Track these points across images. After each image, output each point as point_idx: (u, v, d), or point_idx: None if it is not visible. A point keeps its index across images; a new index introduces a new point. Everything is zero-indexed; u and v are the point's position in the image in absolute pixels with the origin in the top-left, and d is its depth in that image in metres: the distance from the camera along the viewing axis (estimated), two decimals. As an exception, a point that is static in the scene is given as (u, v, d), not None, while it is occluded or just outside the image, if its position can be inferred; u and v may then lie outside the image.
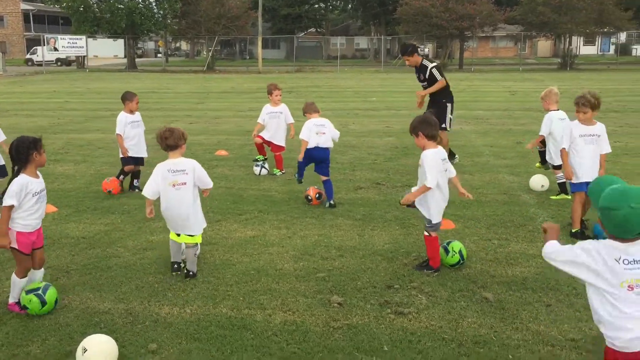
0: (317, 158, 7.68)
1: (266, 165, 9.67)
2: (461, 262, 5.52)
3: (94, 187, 8.79)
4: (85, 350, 3.89)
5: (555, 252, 3.02)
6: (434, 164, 5.20)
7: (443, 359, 3.98)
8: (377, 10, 67.11)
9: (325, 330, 4.41)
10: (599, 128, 6.39)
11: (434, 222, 5.37)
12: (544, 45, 77.94)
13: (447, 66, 49.42)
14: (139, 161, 8.53)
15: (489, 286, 5.13)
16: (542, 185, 8.27)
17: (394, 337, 4.29)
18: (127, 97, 8.36)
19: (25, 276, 4.71)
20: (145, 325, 4.53)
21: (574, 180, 6.35)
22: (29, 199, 4.52)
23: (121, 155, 8.39)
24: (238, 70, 49.60)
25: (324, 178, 7.77)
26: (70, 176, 9.65)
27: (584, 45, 69.37)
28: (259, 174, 9.56)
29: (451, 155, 10.07)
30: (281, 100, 9.89)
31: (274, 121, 9.73)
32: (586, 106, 6.27)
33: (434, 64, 10.24)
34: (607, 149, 6.38)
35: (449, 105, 10.12)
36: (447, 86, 10.16)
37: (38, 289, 4.66)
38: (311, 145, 7.57)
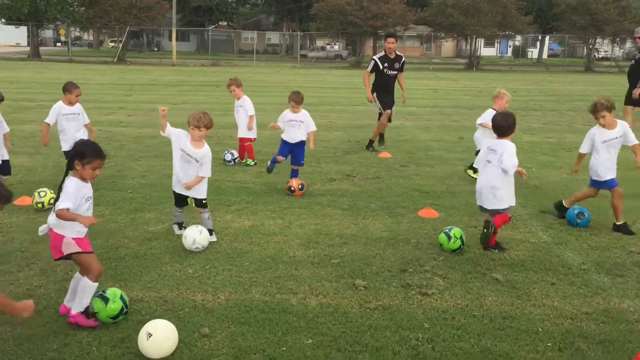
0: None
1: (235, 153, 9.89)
2: (462, 247, 5.94)
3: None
4: (150, 335, 3.94)
5: None
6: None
7: (481, 333, 4.36)
8: (291, 7, 67.41)
9: (363, 312, 4.67)
10: (619, 129, 6.70)
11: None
12: (447, 46, 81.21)
13: (361, 64, 50.72)
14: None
15: (494, 268, 5.58)
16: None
17: (428, 315, 4.63)
18: (67, 88, 8.08)
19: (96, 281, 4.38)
20: (186, 312, 4.61)
21: (596, 178, 6.80)
22: (82, 203, 4.30)
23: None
24: (150, 63, 48.32)
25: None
26: (32, 168, 9.29)
27: (484, 47, 73.06)
28: (229, 161, 9.85)
29: (381, 139, 11.52)
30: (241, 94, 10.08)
31: (238, 115, 9.97)
32: (602, 110, 6.57)
33: (376, 55, 11.44)
34: (633, 140, 6.72)
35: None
36: (376, 79, 11.51)
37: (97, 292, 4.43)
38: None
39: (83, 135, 8.03)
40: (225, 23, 79.03)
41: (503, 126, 5.98)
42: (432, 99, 22.10)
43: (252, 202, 7.62)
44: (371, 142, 11.40)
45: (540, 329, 4.42)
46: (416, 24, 55.24)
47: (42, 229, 4.37)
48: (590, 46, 53.15)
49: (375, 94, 11.43)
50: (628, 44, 59.70)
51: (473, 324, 4.49)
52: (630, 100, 11.97)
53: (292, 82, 30.16)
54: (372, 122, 12.20)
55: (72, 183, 4.24)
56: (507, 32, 54.45)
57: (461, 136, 13.16)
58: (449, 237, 5.94)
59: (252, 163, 9.80)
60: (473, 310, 4.72)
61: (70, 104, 8.06)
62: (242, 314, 4.59)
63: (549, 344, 4.19)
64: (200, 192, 6.12)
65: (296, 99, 8.26)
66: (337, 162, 10.34)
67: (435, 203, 7.69)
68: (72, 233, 4.28)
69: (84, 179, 4.30)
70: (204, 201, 6.14)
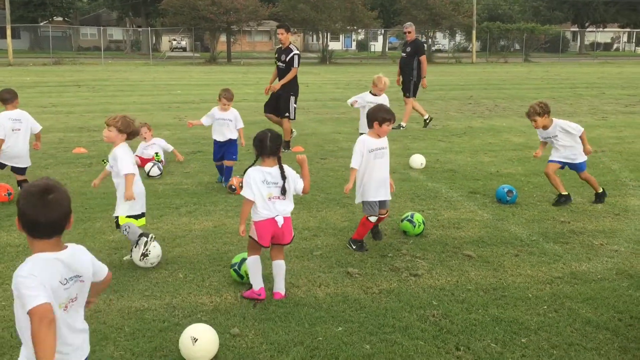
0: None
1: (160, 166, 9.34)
2: (424, 230, 6.40)
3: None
4: (195, 339, 3.90)
5: None
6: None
7: (484, 303, 4.81)
8: (136, 1, 64.78)
9: (371, 296, 4.93)
10: (553, 129, 7.41)
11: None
12: (294, 41, 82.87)
13: (216, 59, 50.24)
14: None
15: (461, 246, 6.09)
16: (422, 164, 9.56)
17: (430, 294, 5.00)
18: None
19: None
20: (203, 315, 4.58)
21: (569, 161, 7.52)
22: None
23: None
24: (-17, 62, 44.11)
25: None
26: None
27: (330, 41, 75.58)
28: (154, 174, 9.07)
29: (286, 145, 10.93)
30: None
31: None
32: (533, 115, 7.33)
33: (298, 51, 11.09)
34: (577, 130, 7.37)
35: (292, 96, 11.09)
36: (295, 76, 11.09)
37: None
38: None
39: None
40: (61, 19, 74.03)
41: (368, 116, 5.93)
42: (309, 93, 22.61)
43: (199, 203, 7.52)
44: (287, 142, 11.25)
45: (530, 295, 4.97)
46: (269, 19, 55.72)
47: None
48: (430, 39, 57.07)
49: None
50: (458, 37, 64.99)
51: (472, 297, 4.93)
52: (410, 91, 13.70)
53: (156, 80, 29.25)
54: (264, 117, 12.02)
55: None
56: (354, 27, 56.77)
57: (356, 127, 13.73)
58: (413, 224, 6.36)
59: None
60: (465, 284, 5.17)
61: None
62: (261, 311, 4.65)
63: (545, 307, 4.74)
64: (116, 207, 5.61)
65: (228, 96, 8.23)
66: (256, 158, 10.40)
67: (375, 192, 8.10)
68: None
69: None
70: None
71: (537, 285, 5.17)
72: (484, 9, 68.21)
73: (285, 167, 4.86)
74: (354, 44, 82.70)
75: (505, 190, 7.65)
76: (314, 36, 70.11)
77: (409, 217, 6.42)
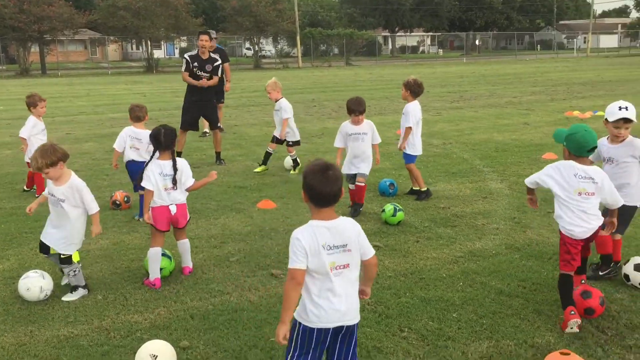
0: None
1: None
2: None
3: None
4: (155, 357, 3.77)
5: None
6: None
7: (409, 287, 5.14)
8: None
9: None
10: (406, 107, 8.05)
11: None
12: (112, 50, 79.45)
13: (29, 71, 46.51)
14: None
15: (371, 236, 6.40)
16: (291, 165, 9.80)
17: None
18: None
19: None
20: (141, 332, 4.39)
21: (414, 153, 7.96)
22: None
23: None
24: None
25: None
26: None
27: (156, 49, 73.63)
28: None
29: (217, 159, 10.56)
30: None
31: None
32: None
33: (220, 61, 10.57)
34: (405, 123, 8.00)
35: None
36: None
37: None
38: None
39: None
40: None
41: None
42: (151, 103, 21.86)
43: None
44: (218, 154, 10.66)
45: (444, 275, 5.42)
46: (85, 28, 52.79)
47: None
48: (256, 45, 57.82)
49: (185, 96, 10.55)
50: (282, 43, 66.67)
51: (396, 283, 5.25)
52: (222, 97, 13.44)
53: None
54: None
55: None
56: (178, 35, 55.79)
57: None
58: (396, 210, 6.87)
59: None
60: (385, 272, 5.47)
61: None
62: (201, 322, 4.57)
63: (461, 284, 5.21)
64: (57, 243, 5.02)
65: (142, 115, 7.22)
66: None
67: (263, 195, 8.20)
68: None
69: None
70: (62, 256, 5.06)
71: (446, 265, 5.65)
72: (304, 15, 70.71)
73: (179, 160, 5.36)
74: (176, 51, 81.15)
75: (387, 183, 8.16)
76: (135, 44, 67.59)
77: (396, 208, 6.93)
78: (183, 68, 10.43)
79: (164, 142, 5.25)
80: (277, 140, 9.61)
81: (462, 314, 4.63)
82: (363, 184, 7.31)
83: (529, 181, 4.73)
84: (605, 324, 4.40)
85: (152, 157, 5.32)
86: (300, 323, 3.10)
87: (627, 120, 4.92)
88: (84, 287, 5.09)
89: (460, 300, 4.87)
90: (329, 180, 3.01)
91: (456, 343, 4.19)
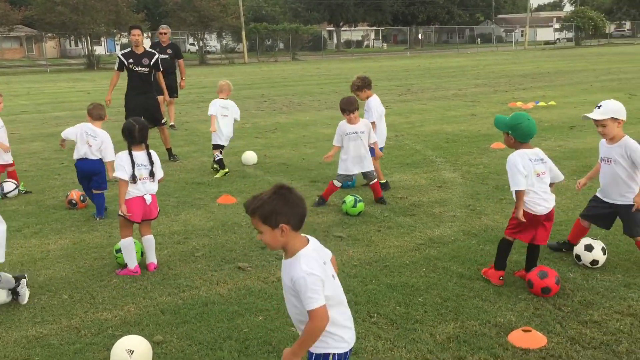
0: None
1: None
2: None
3: None
4: (132, 351, 3.78)
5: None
6: None
7: (374, 275, 5.28)
8: None
9: (272, 285, 5.11)
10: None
11: None
12: (49, 47, 77.09)
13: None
14: None
15: (328, 229, 6.53)
16: (254, 160, 9.83)
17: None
18: None
19: None
20: (113, 329, 4.39)
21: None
22: None
23: None
24: None
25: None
26: None
27: (96, 45, 71.82)
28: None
29: (170, 155, 10.46)
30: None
31: None
32: (355, 91, 8.20)
33: (157, 55, 10.30)
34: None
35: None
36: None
37: None
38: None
39: None
40: None
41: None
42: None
43: (42, 223, 6.96)
44: (169, 150, 10.51)
45: (407, 262, 5.59)
46: (21, 24, 51.02)
47: None
48: (201, 41, 57.11)
49: (125, 96, 10.40)
50: (226, 38, 66.11)
51: (361, 271, 5.39)
52: (176, 92, 14.05)
53: None
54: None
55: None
56: (119, 31, 54.52)
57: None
58: (356, 201, 7.01)
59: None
60: (350, 261, 5.61)
61: None
62: (173, 317, 4.58)
63: (424, 269, 5.39)
64: None
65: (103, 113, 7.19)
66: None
67: (222, 191, 8.21)
68: None
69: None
70: None
71: (408, 252, 5.82)
72: (249, 9, 70.19)
73: (152, 152, 5.48)
74: (117, 47, 79.31)
75: (346, 175, 8.29)
76: (74, 41, 65.62)
77: (355, 199, 7.05)
78: (115, 67, 10.18)
79: (138, 136, 5.35)
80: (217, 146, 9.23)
81: (427, 298, 4.80)
82: (376, 180, 7.52)
83: (518, 188, 4.69)
84: (562, 302, 4.65)
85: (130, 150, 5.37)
86: (333, 354, 2.88)
87: (596, 120, 5.07)
88: (18, 278, 4.82)
89: (425, 285, 5.04)
90: (301, 199, 2.81)
91: (424, 325, 4.36)
